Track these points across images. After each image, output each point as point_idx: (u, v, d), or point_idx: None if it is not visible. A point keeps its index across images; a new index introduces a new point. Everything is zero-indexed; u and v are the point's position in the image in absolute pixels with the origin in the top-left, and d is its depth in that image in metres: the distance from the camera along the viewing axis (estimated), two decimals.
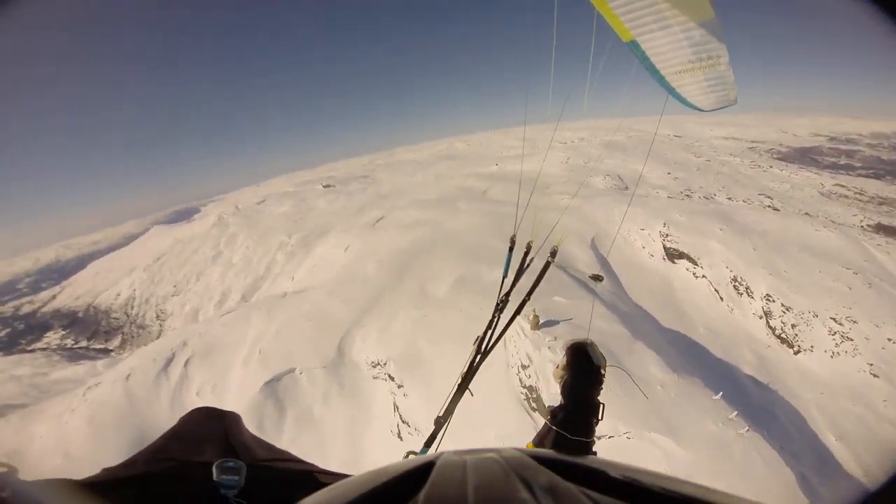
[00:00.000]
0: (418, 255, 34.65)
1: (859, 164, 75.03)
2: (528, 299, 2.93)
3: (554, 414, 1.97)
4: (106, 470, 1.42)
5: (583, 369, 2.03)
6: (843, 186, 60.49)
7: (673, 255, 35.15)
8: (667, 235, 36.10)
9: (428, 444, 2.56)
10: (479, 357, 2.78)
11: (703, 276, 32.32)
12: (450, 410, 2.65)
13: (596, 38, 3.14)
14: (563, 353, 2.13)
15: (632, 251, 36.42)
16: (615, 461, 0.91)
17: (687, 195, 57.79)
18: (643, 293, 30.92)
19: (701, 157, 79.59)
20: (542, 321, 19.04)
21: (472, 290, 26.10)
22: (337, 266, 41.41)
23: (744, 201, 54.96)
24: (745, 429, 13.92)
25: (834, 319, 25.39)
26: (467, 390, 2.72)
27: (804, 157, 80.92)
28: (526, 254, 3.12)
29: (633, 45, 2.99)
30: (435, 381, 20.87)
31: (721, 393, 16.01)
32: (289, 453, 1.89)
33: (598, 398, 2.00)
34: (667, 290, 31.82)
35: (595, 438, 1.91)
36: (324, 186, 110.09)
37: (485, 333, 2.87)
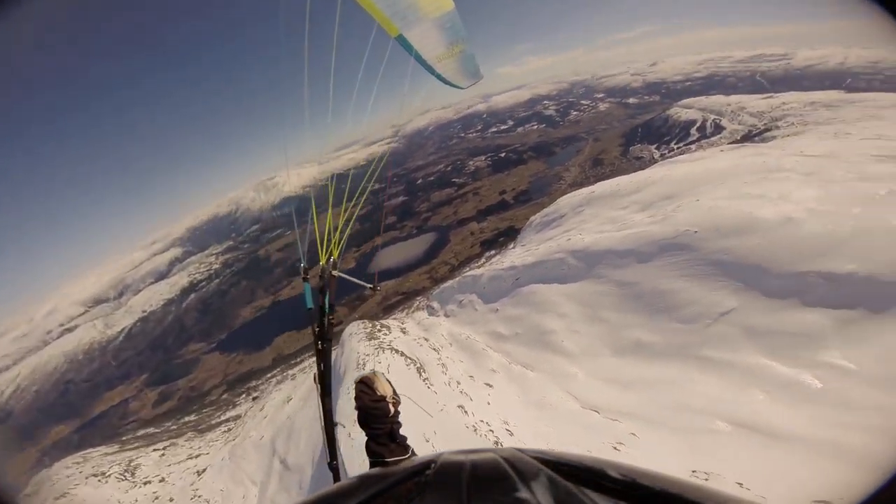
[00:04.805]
0: None
1: None
2: (333, 317, 3.05)
3: (367, 448, 2.22)
4: None
5: (369, 401, 2.22)
6: None
7: None
8: None
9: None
10: (322, 392, 2.95)
11: None
12: (333, 452, 2.89)
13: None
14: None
15: None
16: (615, 461, 0.91)
17: None
18: None
19: None
20: None
21: None
22: None
23: None
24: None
25: None
26: (337, 425, 2.96)
27: None
28: (322, 276, 3.17)
29: (401, 39, 3.38)
30: None
31: None
32: None
33: (395, 420, 2.24)
34: None
35: (411, 454, 2.19)
36: None
37: (318, 367, 3.00)
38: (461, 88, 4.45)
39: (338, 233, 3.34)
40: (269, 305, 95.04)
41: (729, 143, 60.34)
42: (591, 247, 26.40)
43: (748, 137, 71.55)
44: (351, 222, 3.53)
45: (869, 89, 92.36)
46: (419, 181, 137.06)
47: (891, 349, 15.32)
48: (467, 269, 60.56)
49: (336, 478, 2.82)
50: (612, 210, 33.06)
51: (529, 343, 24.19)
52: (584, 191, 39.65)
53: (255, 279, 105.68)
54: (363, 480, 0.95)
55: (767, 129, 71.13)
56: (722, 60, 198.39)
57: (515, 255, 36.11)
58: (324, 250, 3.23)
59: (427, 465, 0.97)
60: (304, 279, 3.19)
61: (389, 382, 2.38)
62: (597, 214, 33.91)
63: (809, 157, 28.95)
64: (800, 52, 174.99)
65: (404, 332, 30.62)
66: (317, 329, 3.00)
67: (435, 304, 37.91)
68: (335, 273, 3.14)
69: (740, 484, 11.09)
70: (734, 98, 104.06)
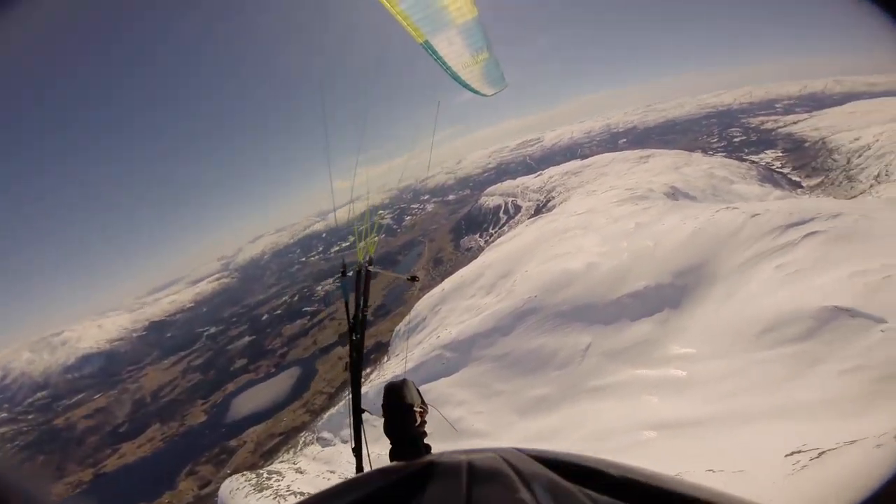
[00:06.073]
0: None
1: None
2: (367, 310, 3.44)
3: (391, 458, 2.19)
4: None
5: (395, 409, 2.19)
6: None
7: None
8: None
9: (359, 470, 2.97)
10: (353, 380, 3.18)
11: None
12: (357, 437, 3.06)
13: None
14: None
15: None
16: (615, 461, 0.93)
17: None
18: None
19: None
20: None
21: None
22: None
23: None
24: None
25: None
26: (364, 412, 3.15)
27: None
28: (358, 273, 3.59)
29: (427, 46, 3.50)
30: None
31: None
32: None
33: (419, 431, 2.20)
34: None
35: None
36: None
37: (350, 356, 3.23)
38: (486, 96, 4.47)
39: (372, 235, 3.80)
40: (91, 479, 71.72)
41: (528, 218, 73.83)
42: (459, 336, 28.54)
43: (539, 210, 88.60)
44: (382, 228, 4.00)
45: (591, 154, 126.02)
46: (264, 317, 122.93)
47: (701, 329, 20.05)
48: (346, 393, 56.13)
49: (359, 461, 3.02)
50: (464, 300, 36.61)
51: (442, 438, 24.28)
52: (436, 290, 43.21)
53: (57, 453, 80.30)
54: (365, 478, 0.97)
55: (548, 201, 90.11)
56: (502, 150, 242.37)
57: (394, 366, 36.42)
58: (361, 249, 3.64)
59: (428, 464, 0.96)
60: (343, 273, 3.55)
61: (419, 391, 2.30)
62: (453, 308, 36.92)
63: (580, 215, 38.13)
64: (546, 134, 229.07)
65: (302, 472, 29.10)
66: (351, 321, 3.25)
67: (326, 434, 35.94)
68: (371, 268, 3.54)
69: (711, 470, 11.81)
70: (519, 180, 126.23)
